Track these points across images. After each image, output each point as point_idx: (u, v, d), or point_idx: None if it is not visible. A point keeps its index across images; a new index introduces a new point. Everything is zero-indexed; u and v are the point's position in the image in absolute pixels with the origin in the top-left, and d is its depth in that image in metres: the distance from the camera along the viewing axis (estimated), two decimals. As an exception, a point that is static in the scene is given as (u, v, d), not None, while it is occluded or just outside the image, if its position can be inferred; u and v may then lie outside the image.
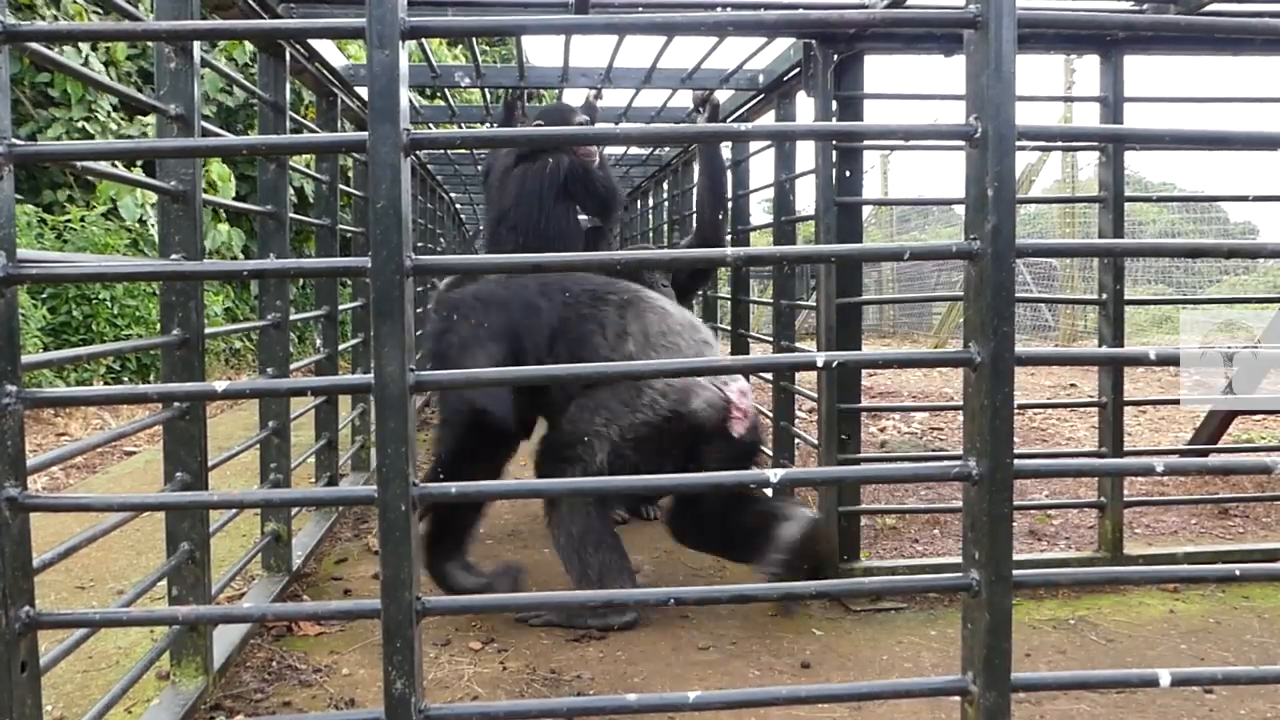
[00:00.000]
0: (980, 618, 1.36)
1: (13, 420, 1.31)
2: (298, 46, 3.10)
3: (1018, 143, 1.32)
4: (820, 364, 1.40)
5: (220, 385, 1.35)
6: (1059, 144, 6.29)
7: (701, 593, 1.43)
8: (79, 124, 7.35)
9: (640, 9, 2.83)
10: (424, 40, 2.17)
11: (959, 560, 3.26)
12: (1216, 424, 4.25)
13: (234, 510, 2.70)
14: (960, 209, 1.33)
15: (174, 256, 2.07)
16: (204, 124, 2.18)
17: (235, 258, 8.13)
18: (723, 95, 4.42)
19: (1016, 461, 1.34)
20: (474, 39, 3.86)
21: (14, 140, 1.30)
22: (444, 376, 1.70)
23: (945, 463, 1.42)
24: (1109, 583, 2.82)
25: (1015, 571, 1.35)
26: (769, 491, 3.72)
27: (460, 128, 5.49)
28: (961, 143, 1.34)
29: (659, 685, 2.38)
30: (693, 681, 2.39)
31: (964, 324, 1.38)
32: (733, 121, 4.53)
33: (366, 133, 1.26)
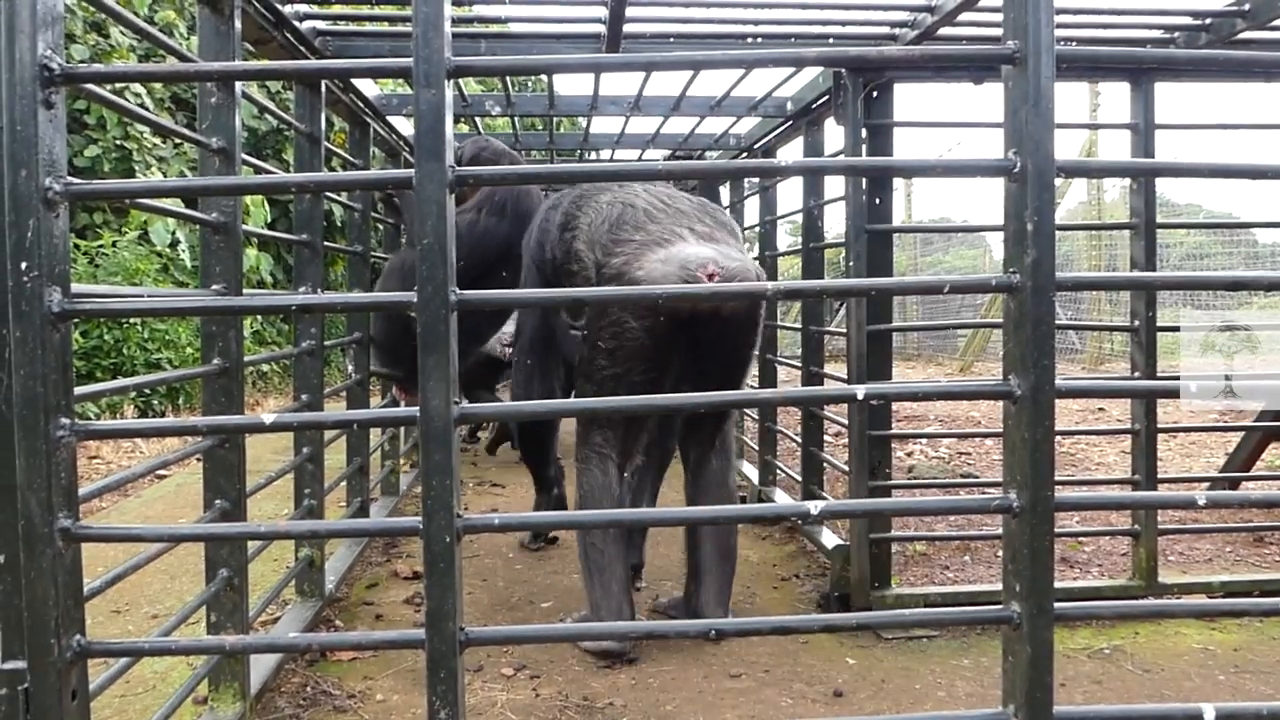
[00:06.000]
0: (1021, 650, 1.36)
1: (66, 452, 1.34)
2: (334, 79, 3.15)
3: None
4: (860, 396, 1.40)
5: (269, 418, 1.37)
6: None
7: (741, 624, 1.43)
8: (117, 143, 7.47)
9: (671, 40, 2.86)
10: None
11: (990, 587, 3.21)
12: (1250, 449, 4.20)
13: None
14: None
15: (215, 287, 2.11)
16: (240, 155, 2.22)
17: (262, 281, 8.22)
18: (750, 122, 4.45)
19: (1057, 494, 1.34)
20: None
21: (71, 179, 1.33)
22: (488, 409, 1.72)
23: (985, 494, 1.42)
24: (1152, 616, 2.80)
25: (1057, 604, 1.35)
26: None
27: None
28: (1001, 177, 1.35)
29: (692, 714, 2.37)
30: (725, 711, 2.39)
31: (1003, 356, 1.38)
32: (759, 147, 4.56)
33: (413, 170, 1.29)
